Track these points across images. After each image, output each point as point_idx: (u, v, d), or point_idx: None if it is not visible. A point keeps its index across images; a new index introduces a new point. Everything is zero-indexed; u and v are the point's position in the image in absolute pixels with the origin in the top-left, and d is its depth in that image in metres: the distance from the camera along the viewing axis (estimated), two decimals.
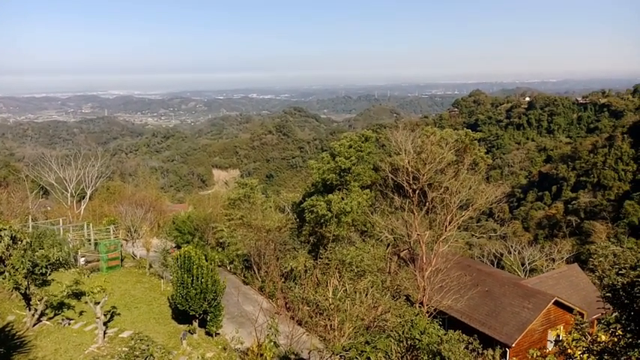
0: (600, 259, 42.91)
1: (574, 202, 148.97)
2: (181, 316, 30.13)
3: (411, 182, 34.95)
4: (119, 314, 30.68)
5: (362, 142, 41.11)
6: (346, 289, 26.67)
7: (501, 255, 59.32)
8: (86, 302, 26.84)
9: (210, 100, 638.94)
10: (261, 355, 22.78)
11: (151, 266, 42.78)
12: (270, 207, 51.31)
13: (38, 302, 27.08)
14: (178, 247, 50.41)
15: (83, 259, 42.01)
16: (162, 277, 39.45)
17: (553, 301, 32.96)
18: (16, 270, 24.68)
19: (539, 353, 14.81)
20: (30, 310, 27.26)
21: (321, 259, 34.95)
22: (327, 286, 27.19)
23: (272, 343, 22.17)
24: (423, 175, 34.24)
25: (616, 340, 13.27)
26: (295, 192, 63.32)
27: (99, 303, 25.87)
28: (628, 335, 12.84)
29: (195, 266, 27.78)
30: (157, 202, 74.76)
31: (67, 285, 29.03)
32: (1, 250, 24.37)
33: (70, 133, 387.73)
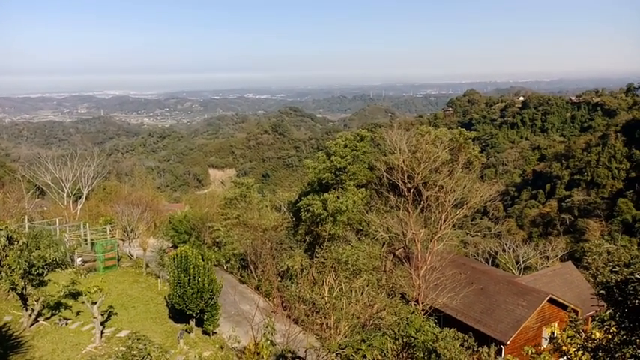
0: (594, 256, 42.95)
1: (568, 200, 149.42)
2: (178, 315, 30.23)
3: (406, 181, 35.11)
4: (116, 314, 30.76)
5: (357, 142, 41.23)
6: (342, 288, 26.77)
7: (496, 253, 59.56)
8: (83, 302, 26.89)
9: (206, 99, 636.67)
10: (258, 353, 22.88)
11: (147, 266, 42.82)
12: (266, 206, 51.37)
13: (35, 302, 27.12)
14: (175, 246, 50.45)
15: (80, 259, 41.99)
16: (159, 277, 39.50)
17: (547, 298, 33.19)
18: (13, 270, 24.71)
19: (533, 350, 14.98)
20: (27, 310, 27.27)
21: (317, 257, 35.10)
22: (323, 284, 27.31)
23: (269, 342, 22.28)
24: (418, 174, 34.40)
25: (610, 336, 13.35)
26: (291, 191, 63.52)
27: (96, 303, 25.91)
28: (622, 332, 12.92)
29: (191, 266, 27.87)
30: (153, 202, 74.73)
31: (64, 285, 29.11)
32: None
33: (66, 134, 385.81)
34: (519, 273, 51.88)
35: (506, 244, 59.00)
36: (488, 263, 57.08)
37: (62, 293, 28.86)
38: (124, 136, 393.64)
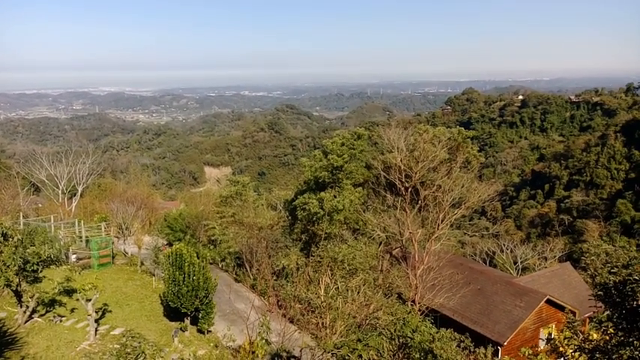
0: (592, 257, 43.05)
1: (567, 200, 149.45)
2: (173, 313, 30.07)
3: (403, 180, 34.98)
4: (110, 311, 30.62)
5: (354, 140, 41.07)
6: (338, 287, 26.65)
7: (493, 253, 59.47)
8: (78, 299, 26.71)
9: (202, 97, 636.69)
10: (253, 352, 22.76)
11: (142, 264, 42.66)
12: (262, 205, 51.19)
13: (30, 299, 26.99)
14: (170, 244, 50.27)
15: (74, 256, 41.81)
16: (153, 275, 39.37)
17: (545, 299, 33.09)
18: (7, 267, 24.55)
19: (531, 352, 14.86)
20: (21, 307, 27.14)
21: (313, 256, 34.89)
22: (319, 283, 27.18)
23: (264, 341, 22.18)
24: (416, 173, 34.28)
25: (608, 338, 13.32)
26: (287, 190, 63.40)
27: (90, 300, 25.76)
28: (620, 333, 12.88)
29: (186, 264, 27.73)
30: (148, 200, 74.50)
31: (59, 282, 28.88)
32: None
33: (61, 130, 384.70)
34: (517, 274, 51.84)
35: (504, 245, 58.95)
36: (485, 264, 57.02)
37: (57, 290, 28.63)
38: (119, 133, 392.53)
